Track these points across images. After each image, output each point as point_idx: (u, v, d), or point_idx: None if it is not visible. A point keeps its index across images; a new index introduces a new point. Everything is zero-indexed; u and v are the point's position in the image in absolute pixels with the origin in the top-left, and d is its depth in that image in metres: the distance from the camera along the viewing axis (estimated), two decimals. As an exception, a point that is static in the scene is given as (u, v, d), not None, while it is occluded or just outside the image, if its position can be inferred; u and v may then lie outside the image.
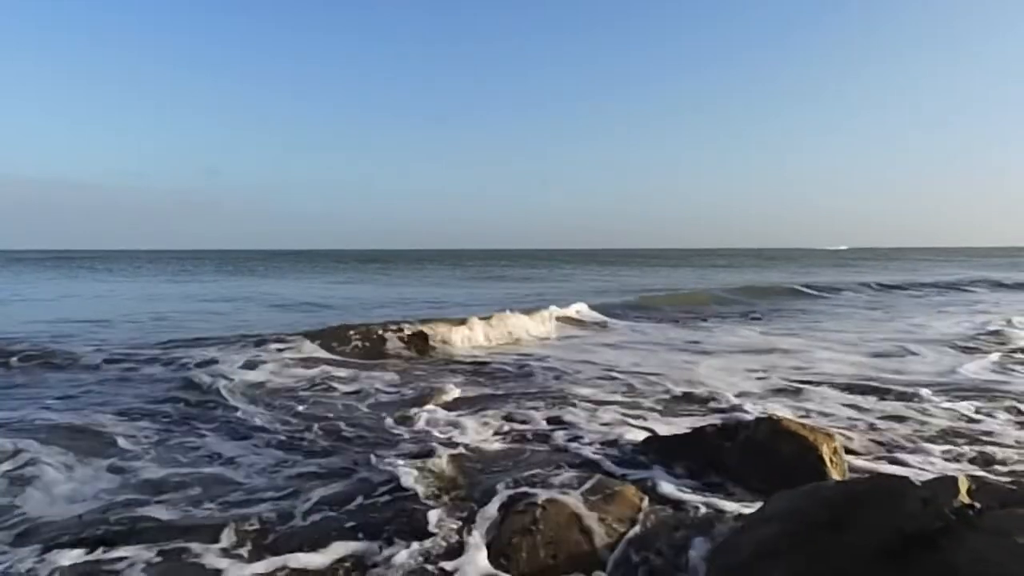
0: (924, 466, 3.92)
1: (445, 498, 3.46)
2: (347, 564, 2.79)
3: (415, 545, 2.89)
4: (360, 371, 7.06)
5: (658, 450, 4.24)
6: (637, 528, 3.09)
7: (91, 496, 3.59)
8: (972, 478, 2.65)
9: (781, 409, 5.22)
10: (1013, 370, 6.80)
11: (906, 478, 2.66)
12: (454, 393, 6.04)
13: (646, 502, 3.38)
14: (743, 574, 2.59)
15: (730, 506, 3.35)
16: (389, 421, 5.07)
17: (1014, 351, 7.99)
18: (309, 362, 7.48)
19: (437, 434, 4.69)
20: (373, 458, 4.04)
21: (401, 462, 3.98)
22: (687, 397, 5.80)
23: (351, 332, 8.83)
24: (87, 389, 6.17)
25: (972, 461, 4.03)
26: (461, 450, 4.29)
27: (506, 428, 4.83)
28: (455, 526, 3.10)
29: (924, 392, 5.73)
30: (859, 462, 4.02)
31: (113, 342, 8.80)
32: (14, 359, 7.50)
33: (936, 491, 2.43)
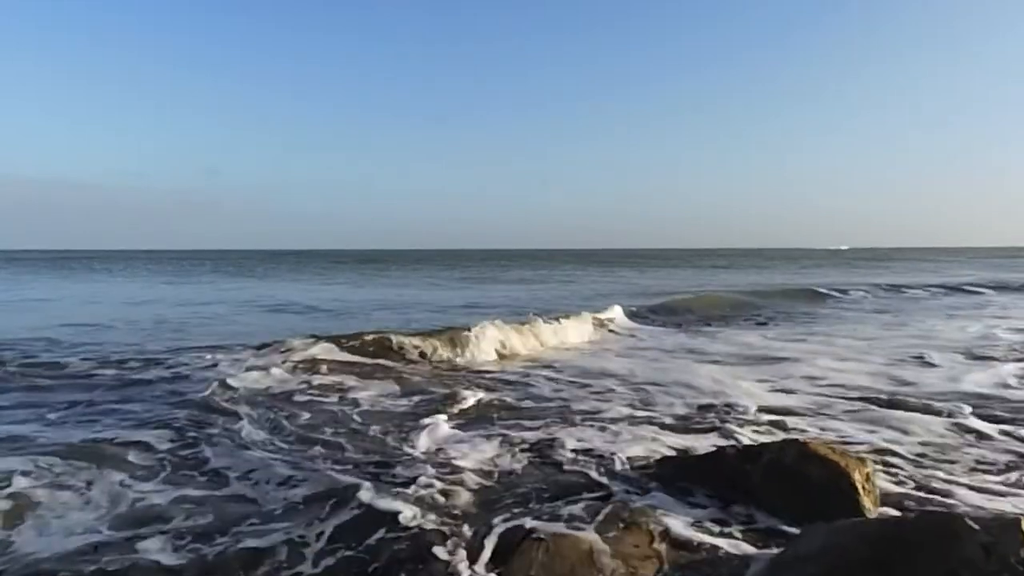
0: (968, 499, 3.64)
1: (445, 530, 3.22)
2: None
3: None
4: (368, 382, 6.81)
5: (675, 473, 4.02)
6: (659, 567, 2.86)
7: (89, 527, 3.36)
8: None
9: (802, 424, 5.01)
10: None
11: (959, 516, 2.43)
12: (468, 403, 5.86)
13: (666, 534, 3.16)
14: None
15: (759, 538, 3.12)
16: (394, 440, 4.84)
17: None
18: (315, 372, 7.17)
19: (440, 456, 4.47)
20: (374, 486, 3.79)
21: (402, 489, 3.75)
22: (705, 411, 5.57)
23: (359, 340, 8.44)
24: (84, 402, 5.94)
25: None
26: (465, 475, 4.07)
27: (515, 448, 4.61)
28: (456, 564, 2.86)
29: (950, 406, 5.49)
30: (892, 486, 3.79)
31: (111, 350, 8.55)
32: (6, 368, 7.24)
33: (998, 536, 2.21)
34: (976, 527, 2.32)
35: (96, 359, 7.78)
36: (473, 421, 5.37)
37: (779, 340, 9.96)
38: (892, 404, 5.69)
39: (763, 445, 3.87)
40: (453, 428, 5.09)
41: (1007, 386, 6.34)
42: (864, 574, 2.49)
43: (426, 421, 5.23)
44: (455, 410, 5.65)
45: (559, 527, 3.23)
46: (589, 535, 3.11)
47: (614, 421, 5.26)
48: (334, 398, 6.08)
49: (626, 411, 5.60)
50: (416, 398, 6.17)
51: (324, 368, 7.35)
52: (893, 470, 4.06)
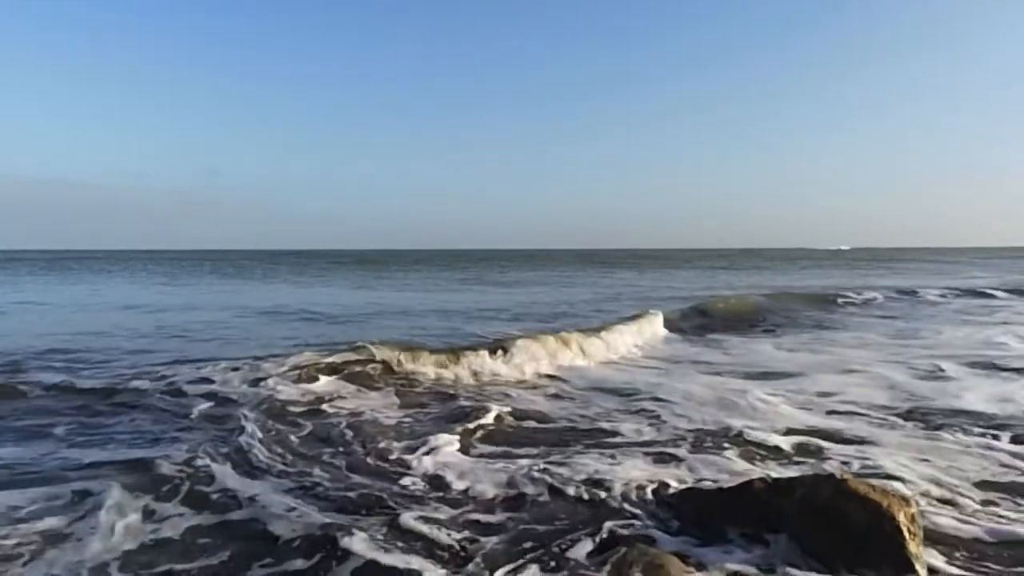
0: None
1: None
2: None
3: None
4: (380, 399, 6.46)
5: (699, 507, 3.74)
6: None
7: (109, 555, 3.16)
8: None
9: (833, 447, 4.72)
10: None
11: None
12: (478, 424, 5.57)
13: (696, 580, 2.89)
14: None
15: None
16: (395, 467, 4.55)
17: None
18: (323, 387, 6.81)
19: (442, 485, 4.19)
20: (368, 526, 3.51)
21: (407, 523, 3.48)
22: (728, 434, 5.24)
23: (370, 354, 7.88)
24: (81, 423, 5.63)
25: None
26: (468, 506, 3.81)
27: (524, 475, 4.32)
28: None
29: (978, 430, 5.20)
30: (942, 519, 3.52)
31: (110, 363, 8.19)
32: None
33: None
34: None
35: (94, 377, 7.37)
36: (483, 444, 5.09)
37: (803, 350, 9.66)
38: (926, 425, 5.39)
39: (796, 479, 3.59)
40: (459, 453, 4.81)
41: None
42: None
43: (433, 443, 4.94)
44: (465, 432, 5.34)
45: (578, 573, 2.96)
46: (612, 582, 2.84)
47: (635, 445, 4.99)
48: (342, 418, 5.73)
49: (648, 433, 5.32)
50: (427, 416, 5.90)
51: (335, 386, 6.91)
52: (935, 506, 3.77)
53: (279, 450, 4.82)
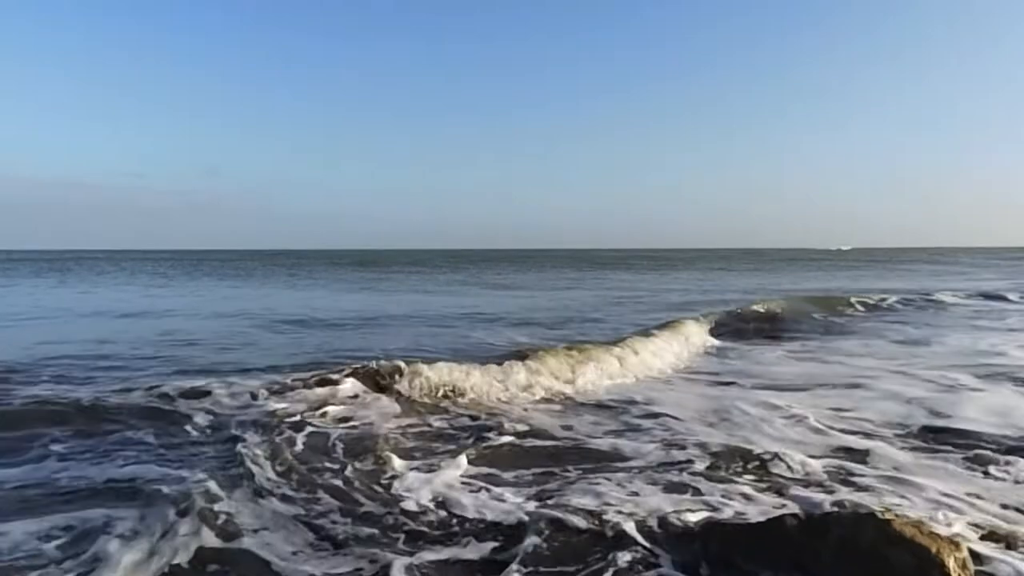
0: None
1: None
2: None
3: None
4: (383, 420, 6.06)
5: (724, 543, 3.49)
6: None
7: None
8: None
9: (867, 474, 4.46)
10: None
11: None
12: (499, 439, 5.33)
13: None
14: None
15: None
16: (405, 493, 4.29)
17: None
18: (325, 405, 6.36)
19: (443, 515, 3.95)
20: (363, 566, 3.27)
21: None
22: (750, 456, 4.97)
23: (372, 370, 7.39)
24: (75, 443, 5.37)
25: None
26: (468, 541, 3.57)
27: (535, 504, 4.06)
28: None
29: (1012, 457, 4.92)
30: (997, 564, 3.26)
31: (102, 376, 7.90)
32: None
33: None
34: None
35: (79, 388, 7.18)
36: (491, 468, 4.83)
37: (834, 360, 9.41)
38: (960, 447, 5.09)
39: (831, 516, 3.34)
40: (465, 477, 4.56)
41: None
42: None
43: (437, 468, 4.71)
44: (474, 455, 5.07)
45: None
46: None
47: (654, 469, 4.73)
48: (344, 440, 5.39)
49: (670, 455, 5.05)
50: (433, 437, 5.64)
51: (336, 402, 6.48)
52: (985, 546, 3.50)
53: (278, 474, 4.57)
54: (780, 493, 4.20)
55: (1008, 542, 3.46)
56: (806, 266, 50.32)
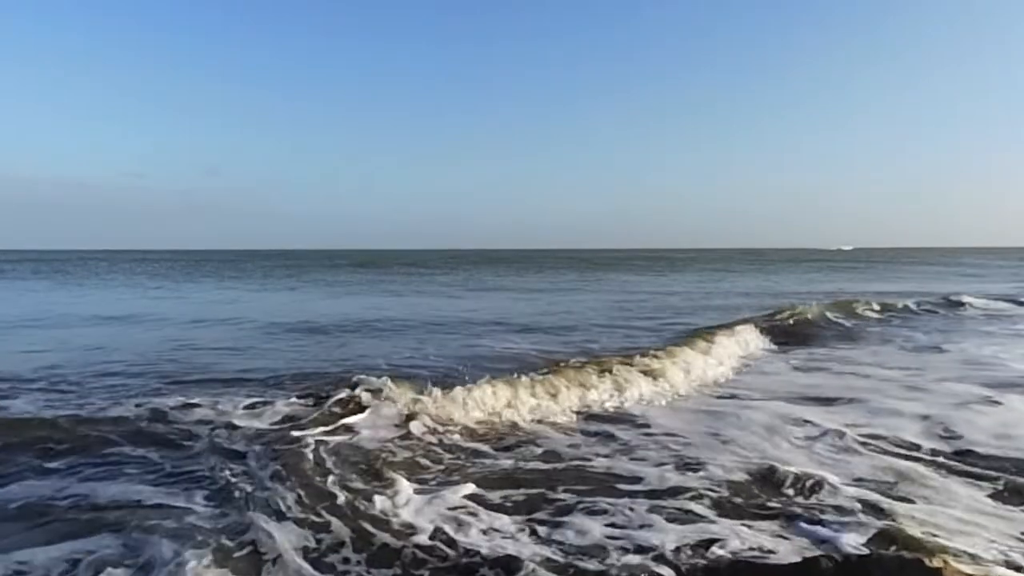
0: None
1: None
2: None
3: None
4: (390, 444, 5.83)
5: (757, 585, 3.28)
6: None
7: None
8: None
9: (891, 507, 4.24)
10: None
11: None
12: (508, 463, 5.08)
13: None
14: None
15: None
16: (409, 525, 4.07)
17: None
18: (327, 427, 5.93)
19: (445, 548, 3.74)
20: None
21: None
22: (772, 479, 4.77)
23: (378, 388, 6.82)
24: (77, 463, 5.16)
25: None
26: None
27: (531, 538, 3.85)
28: None
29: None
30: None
31: (94, 391, 7.62)
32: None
33: None
34: None
35: (71, 403, 6.93)
36: (498, 495, 4.62)
37: (851, 368, 9.21)
38: (1004, 478, 4.81)
39: (871, 560, 3.13)
40: (472, 504, 4.35)
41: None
42: None
43: (442, 496, 4.50)
44: (481, 482, 4.85)
45: None
46: None
47: (670, 495, 4.51)
48: (349, 464, 5.15)
49: (686, 478, 4.84)
50: (441, 462, 5.41)
51: (339, 424, 6.04)
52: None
53: (276, 497, 4.36)
54: (809, 522, 3.99)
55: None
56: (809, 267, 50.01)
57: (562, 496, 4.54)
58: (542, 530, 3.96)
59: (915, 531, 3.76)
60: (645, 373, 8.25)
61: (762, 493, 4.55)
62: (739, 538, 3.79)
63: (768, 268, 48.53)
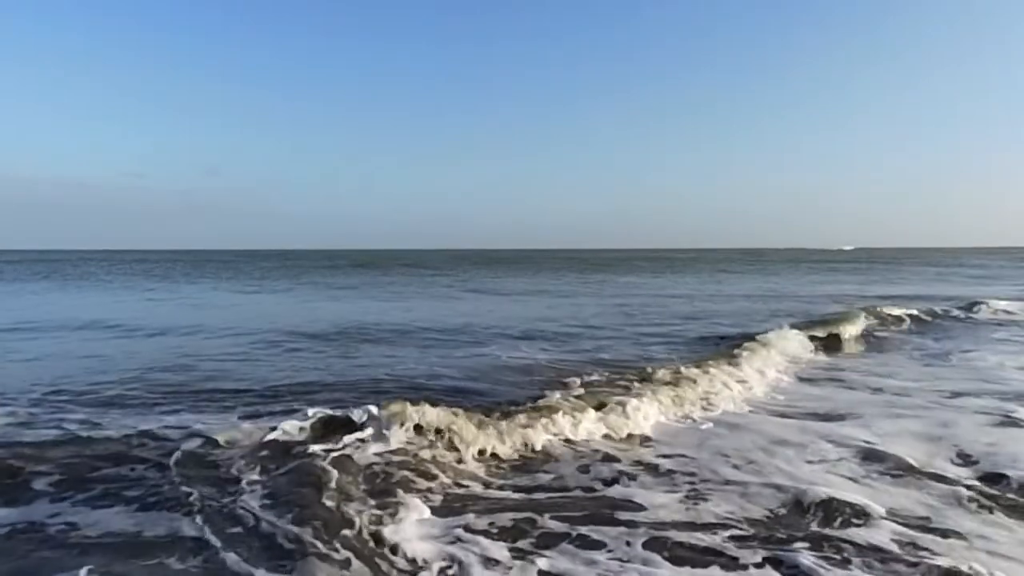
0: None
1: None
2: None
3: None
4: (397, 474, 5.69)
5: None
6: None
7: None
8: None
9: (936, 544, 3.98)
10: None
11: None
12: (513, 495, 4.80)
13: None
14: None
15: None
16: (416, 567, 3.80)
17: None
18: (333, 461, 5.36)
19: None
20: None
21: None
22: (803, 509, 4.52)
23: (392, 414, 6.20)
24: (58, 497, 4.90)
25: None
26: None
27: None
28: None
29: None
30: None
31: (81, 411, 7.31)
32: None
33: None
34: None
35: (50, 428, 6.58)
36: (496, 527, 4.38)
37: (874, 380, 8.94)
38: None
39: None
40: (479, 540, 4.11)
41: None
42: None
43: (435, 521, 4.26)
44: (488, 530, 4.63)
45: None
46: None
47: (677, 527, 4.28)
48: (363, 507, 4.91)
49: (702, 509, 4.61)
50: (446, 488, 5.17)
51: (344, 446, 5.63)
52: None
53: (272, 526, 4.12)
54: (846, 563, 3.73)
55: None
56: (811, 268, 49.72)
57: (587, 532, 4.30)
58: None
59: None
60: (668, 384, 7.97)
61: (792, 521, 4.31)
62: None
63: (769, 269, 48.30)
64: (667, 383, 8.01)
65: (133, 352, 11.09)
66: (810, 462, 5.54)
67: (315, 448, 5.53)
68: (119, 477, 5.12)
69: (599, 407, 6.85)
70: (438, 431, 5.90)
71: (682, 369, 8.76)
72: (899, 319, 15.30)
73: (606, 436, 6.39)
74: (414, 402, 6.20)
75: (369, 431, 5.89)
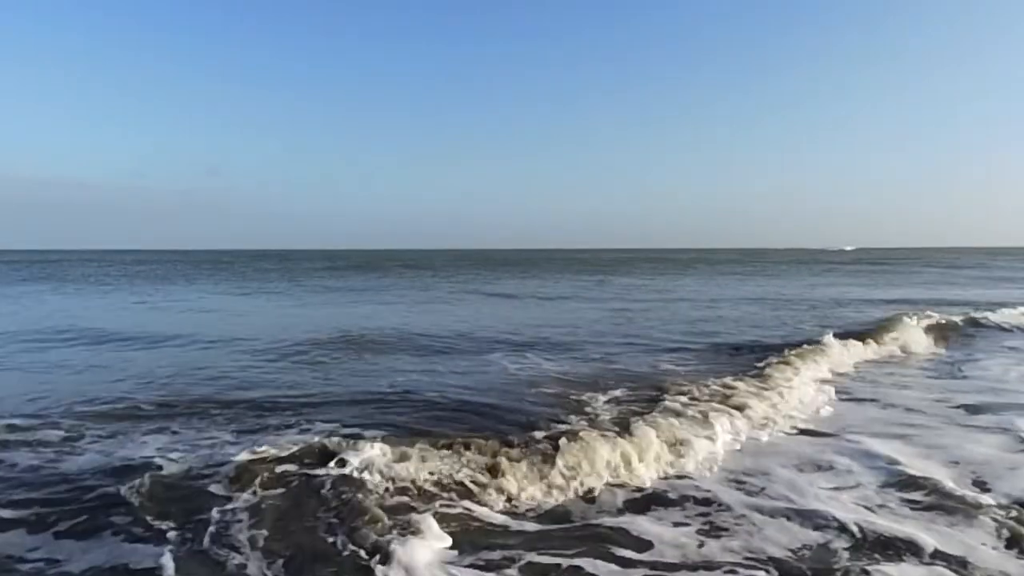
0: None
1: None
2: None
3: None
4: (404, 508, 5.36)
5: None
6: None
7: None
8: None
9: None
10: None
11: None
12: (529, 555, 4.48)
13: None
14: None
15: None
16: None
17: None
18: (330, 474, 5.13)
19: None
20: None
21: None
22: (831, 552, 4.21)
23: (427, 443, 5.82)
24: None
25: None
26: None
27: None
28: None
29: None
30: None
31: (52, 427, 7.09)
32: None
33: None
34: None
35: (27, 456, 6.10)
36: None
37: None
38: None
39: None
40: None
41: None
42: None
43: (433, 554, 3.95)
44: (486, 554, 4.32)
45: None
46: None
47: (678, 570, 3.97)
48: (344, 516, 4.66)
49: (712, 546, 4.30)
50: (447, 516, 4.87)
51: (345, 473, 5.19)
52: None
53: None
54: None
55: None
56: (820, 269, 49.30)
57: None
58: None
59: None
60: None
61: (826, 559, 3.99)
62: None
63: (771, 270, 47.92)
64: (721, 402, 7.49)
65: (126, 363, 10.74)
66: (839, 488, 5.23)
67: (311, 473, 5.21)
68: (98, 507, 4.79)
69: (672, 444, 6.05)
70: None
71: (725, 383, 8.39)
72: (943, 327, 14.69)
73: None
74: (434, 443, 5.77)
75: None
